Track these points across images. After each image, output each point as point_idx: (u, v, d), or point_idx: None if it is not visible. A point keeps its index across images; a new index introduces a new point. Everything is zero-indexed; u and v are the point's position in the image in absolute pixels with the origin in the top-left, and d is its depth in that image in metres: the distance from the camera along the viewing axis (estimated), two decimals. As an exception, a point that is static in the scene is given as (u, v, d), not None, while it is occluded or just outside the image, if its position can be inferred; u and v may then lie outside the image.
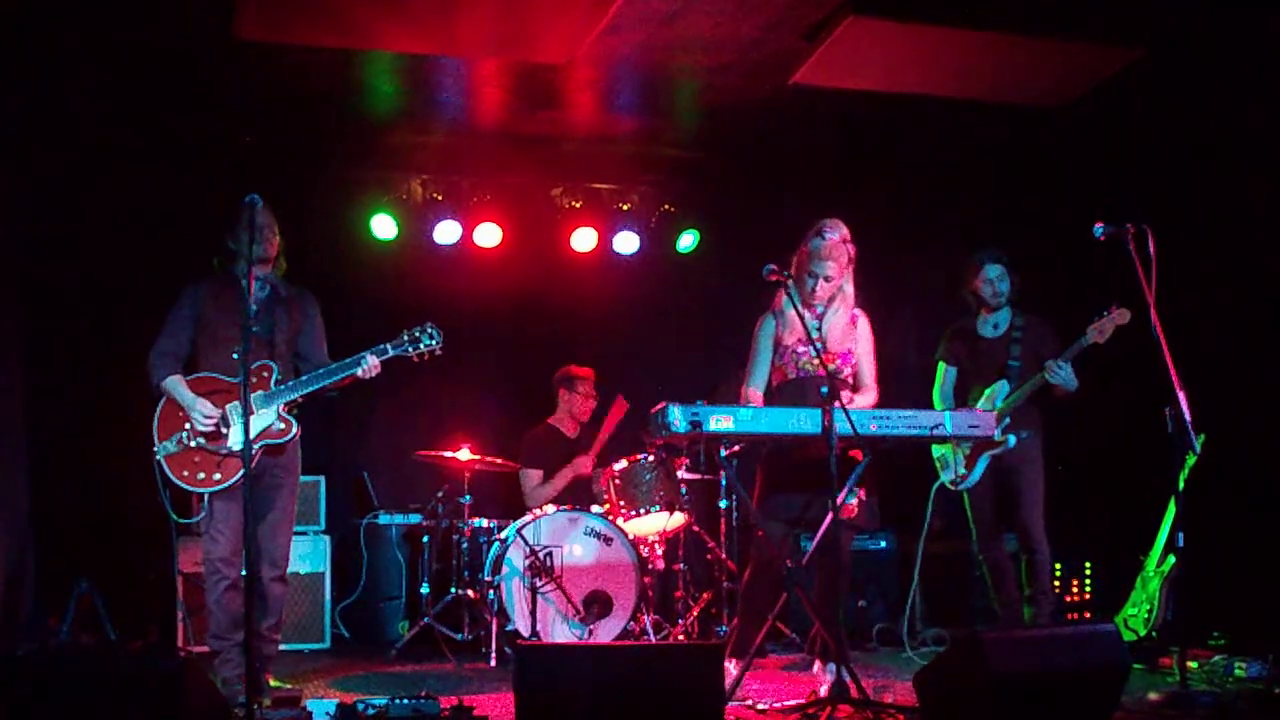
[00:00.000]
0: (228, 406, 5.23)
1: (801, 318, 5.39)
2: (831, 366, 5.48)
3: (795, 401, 5.37)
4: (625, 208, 8.40)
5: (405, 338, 5.39)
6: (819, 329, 5.60)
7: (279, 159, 7.40)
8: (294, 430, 5.33)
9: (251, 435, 5.05)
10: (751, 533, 5.81)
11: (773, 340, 5.68)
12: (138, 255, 7.16)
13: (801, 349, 5.60)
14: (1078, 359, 6.10)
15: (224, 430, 5.23)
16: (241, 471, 5.10)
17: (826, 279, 5.57)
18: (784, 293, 5.53)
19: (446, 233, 8.14)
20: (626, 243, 8.44)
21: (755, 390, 5.64)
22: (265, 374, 5.28)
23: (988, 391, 6.29)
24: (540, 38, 6.15)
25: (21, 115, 6.44)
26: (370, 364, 5.32)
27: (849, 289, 5.68)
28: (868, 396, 5.64)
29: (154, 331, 5.42)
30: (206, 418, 5.20)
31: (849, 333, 5.67)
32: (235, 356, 5.13)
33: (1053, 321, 6.38)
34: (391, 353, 5.37)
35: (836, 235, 5.62)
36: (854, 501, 5.45)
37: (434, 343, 5.41)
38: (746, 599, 5.71)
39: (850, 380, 5.65)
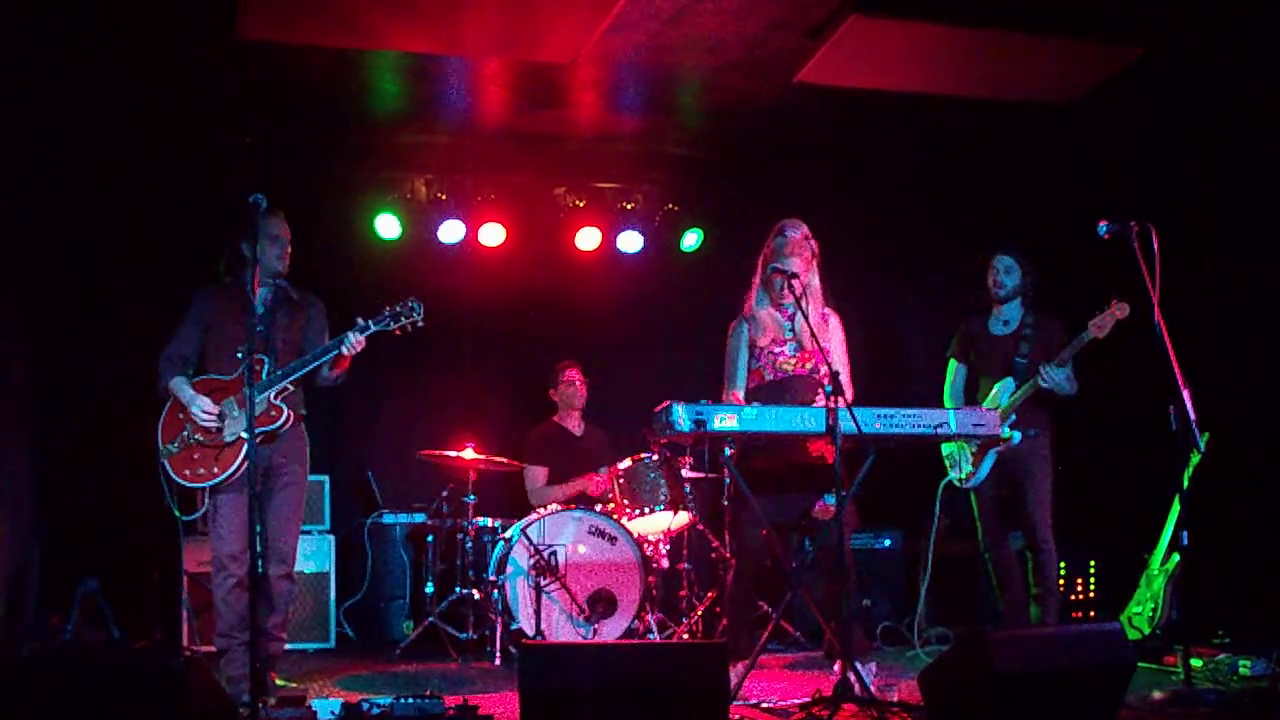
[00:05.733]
0: (223, 403, 5.32)
1: (807, 317, 5.41)
2: (809, 365, 5.61)
3: (774, 404, 5.36)
4: (629, 207, 8.40)
5: (386, 313, 5.43)
6: (792, 329, 5.63)
7: (283, 159, 7.40)
8: (284, 414, 5.36)
9: (243, 425, 5.12)
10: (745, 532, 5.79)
11: (747, 344, 5.72)
12: (141, 255, 7.19)
13: (778, 349, 5.66)
14: (1080, 356, 6.10)
15: (221, 425, 5.30)
16: (235, 464, 5.27)
17: (794, 275, 5.58)
18: (789, 292, 5.55)
19: (451, 232, 8.14)
20: (630, 242, 8.44)
21: (738, 393, 5.67)
22: (257, 367, 5.29)
23: (995, 388, 6.29)
24: (544, 37, 6.15)
25: (23, 116, 6.45)
26: (353, 341, 5.34)
27: (816, 284, 5.70)
28: (844, 397, 5.64)
29: (158, 330, 5.50)
30: (206, 413, 5.29)
31: (822, 331, 5.69)
32: (240, 355, 5.21)
33: (1064, 320, 6.37)
34: (373, 328, 5.40)
35: (798, 233, 5.68)
36: (832, 503, 5.50)
37: (415, 315, 5.45)
38: (733, 599, 5.72)
39: (823, 379, 5.66)
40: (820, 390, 5.55)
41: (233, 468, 5.27)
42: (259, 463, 5.08)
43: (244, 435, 5.09)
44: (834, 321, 5.75)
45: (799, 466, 5.52)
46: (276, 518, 5.39)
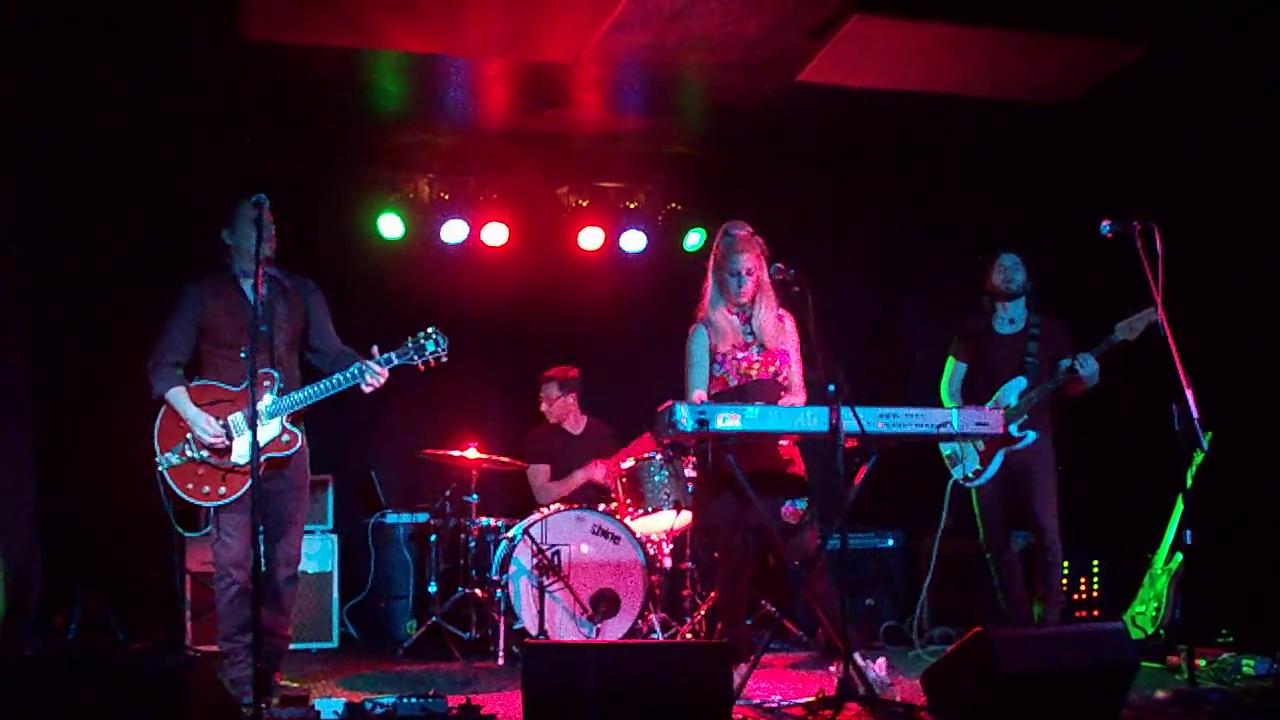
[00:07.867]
0: (229, 418, 5.16)
1: (809, 325, 5.39)
2: (772, 368, 5.55)
3: None
4: (632, 206, 8.41)
5: (410, 345, 5.23)
6: (751, 331, 5.62)
7: (286, 159, 7.39)
8: (299, 442, 5.25)
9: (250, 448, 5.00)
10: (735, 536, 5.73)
11: (707, 350, 5.66)
12: (143, 256, 7.18)
13: (741, 354, 5.61)
14: (1101, 357, 6.07)
15: (228, 443, 5.16)
16: (244, 488, 5.10)
17: (748, 272, 5.57)
18: (796, 293, 5.54)
19: (454, 232, 8.15)
20: (633, 241, 8.44)
21: (701, 393, 5.56)
22: (267, 383, 5.16)
23: (1005, 387, 6.26)
24: (546, 36, 6.15)
25: (23, 116, 6.45)
26: (375, 373, 5.18)
27: (768, 280, 5.64)
28: (797, 399, 5.64)
29: (158, 331, 5.34)
30: (213, 436, 5.12)
31: (781, 331, 5.67)
32: (243, 356, 5.09)
33: (1068, 323, 6.34)
34: (396, 362, 5.23)
35: (743, 230, 5.67)
36: (801, 507, 5.51)
37: (439, 349, 5.24)
38: (729, 600, 5.66)
39: (784, 381, 5.64)
40: (782, 393, 5.57)
41: (241, 490, 5.10)
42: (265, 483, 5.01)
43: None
44: (789, 323, 5.72)
45: (769, 468, 5.50)
46: (280, 521, 5.30)
